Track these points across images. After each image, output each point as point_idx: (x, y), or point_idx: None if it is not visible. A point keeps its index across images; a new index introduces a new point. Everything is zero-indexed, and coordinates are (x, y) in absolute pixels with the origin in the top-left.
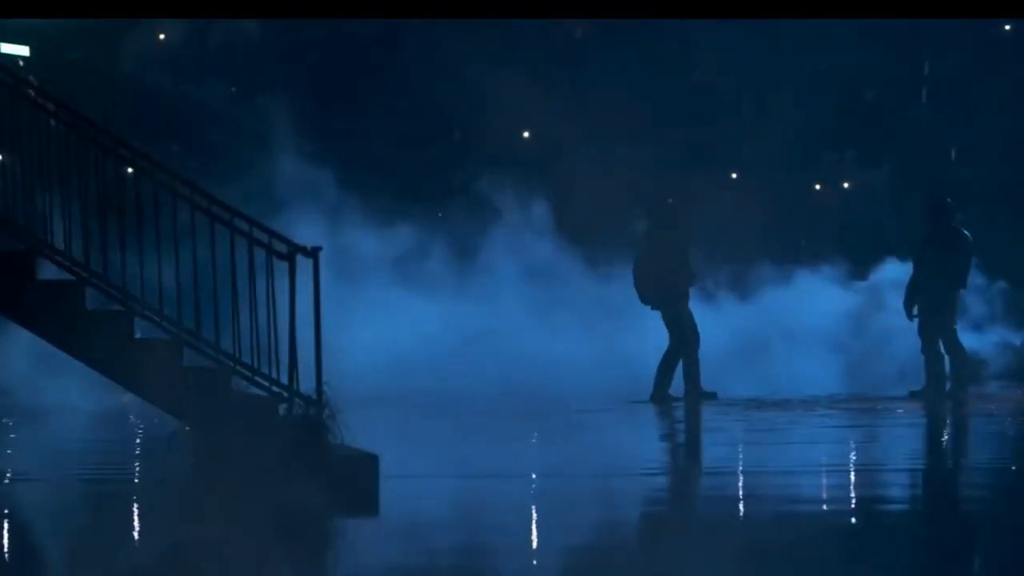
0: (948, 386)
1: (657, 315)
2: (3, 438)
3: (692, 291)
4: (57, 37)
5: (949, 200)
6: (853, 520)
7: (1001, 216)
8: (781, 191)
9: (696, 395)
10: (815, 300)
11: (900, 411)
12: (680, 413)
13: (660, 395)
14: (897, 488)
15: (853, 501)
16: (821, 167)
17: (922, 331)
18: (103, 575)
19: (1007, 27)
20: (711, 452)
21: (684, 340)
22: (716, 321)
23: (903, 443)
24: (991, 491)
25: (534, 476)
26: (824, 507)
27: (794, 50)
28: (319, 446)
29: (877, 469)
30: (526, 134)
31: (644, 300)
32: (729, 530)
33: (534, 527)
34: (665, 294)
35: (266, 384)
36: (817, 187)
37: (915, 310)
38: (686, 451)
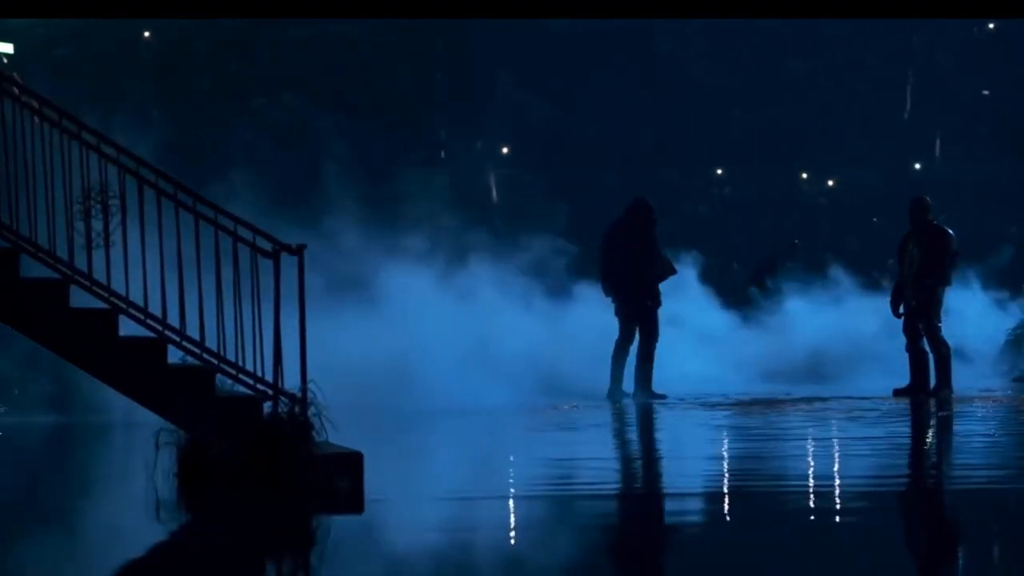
0: (932, 384)
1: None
2: None
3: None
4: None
5: (928, 198)
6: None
7: None
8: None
9: (647, 395)
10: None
11: (876, 410)
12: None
13: (614, 390)
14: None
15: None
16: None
17: (907, 328)
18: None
19: None
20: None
21: (651, 337)
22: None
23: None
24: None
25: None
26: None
27: None
28: (304, 444)
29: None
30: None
31: (608, 292)
32: None
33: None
34: (639, 289)
35: (251, 382)
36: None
37: (901, 308)
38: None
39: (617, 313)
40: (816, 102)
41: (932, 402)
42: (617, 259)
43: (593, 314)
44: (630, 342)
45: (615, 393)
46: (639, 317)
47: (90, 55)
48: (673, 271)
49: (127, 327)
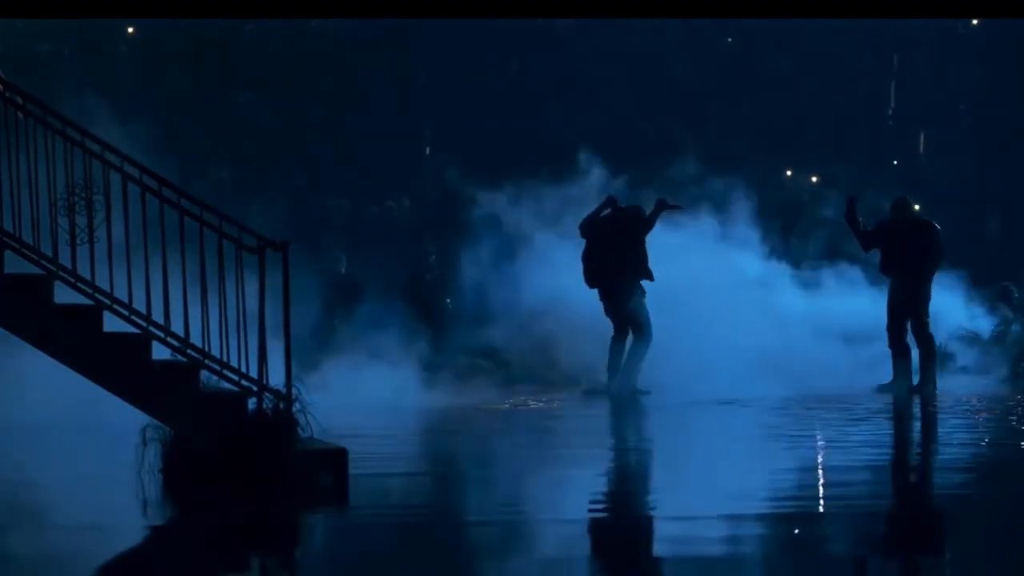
0: (916, 379)
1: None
2: None
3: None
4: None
5: (907, 198)
6: None
7: None
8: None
9: (631, 391)
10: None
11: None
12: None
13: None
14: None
15: None
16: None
17: (891, 325)
18: (61, 566)
19: None
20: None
21: (643, 333)
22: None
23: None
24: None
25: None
26: None
27: None
28: (288, 440)
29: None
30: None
31: (592, 284)
32: None
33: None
34: (625, 286)
35: (235, 378)
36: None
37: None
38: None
39: (607, 312)
40: (798, 98)
41: (916, 398)
42: (603, 258)
43: None
44: (625, 336)
45: (613, 386)
46: (630, 318)
47: (71, 51)
48: (650, 278)
49: (112, 323)
